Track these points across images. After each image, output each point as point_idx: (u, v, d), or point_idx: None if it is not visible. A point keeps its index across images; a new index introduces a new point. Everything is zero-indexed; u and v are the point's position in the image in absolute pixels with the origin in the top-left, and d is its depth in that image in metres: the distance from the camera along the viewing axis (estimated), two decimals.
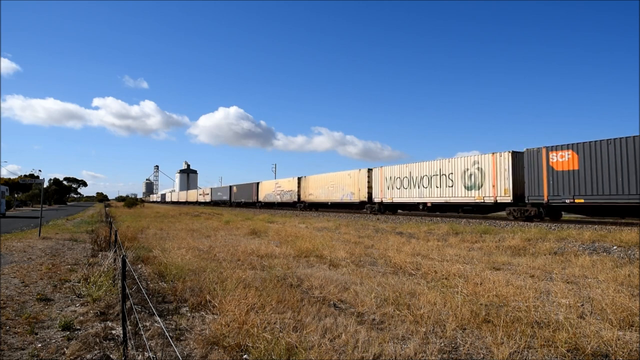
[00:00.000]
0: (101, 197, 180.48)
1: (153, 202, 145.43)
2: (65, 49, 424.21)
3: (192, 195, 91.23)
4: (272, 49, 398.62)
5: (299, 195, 38.47)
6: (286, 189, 41.17)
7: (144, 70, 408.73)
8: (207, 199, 73.13)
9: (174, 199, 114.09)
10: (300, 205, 38.26)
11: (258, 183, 49.26)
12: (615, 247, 10.36)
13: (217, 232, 16.97)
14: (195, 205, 72.93)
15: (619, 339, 4.09)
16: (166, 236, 14.93)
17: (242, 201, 53.81)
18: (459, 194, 21.41)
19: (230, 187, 59.45)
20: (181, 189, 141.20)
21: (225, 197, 61.29)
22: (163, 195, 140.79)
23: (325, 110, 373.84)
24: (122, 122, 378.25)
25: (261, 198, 47.61)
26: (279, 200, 42.78)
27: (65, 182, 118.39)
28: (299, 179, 38.61)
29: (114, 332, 4.66)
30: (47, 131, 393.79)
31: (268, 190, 46.03)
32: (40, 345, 4.30)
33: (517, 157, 18.74)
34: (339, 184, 32.13)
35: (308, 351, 3.79)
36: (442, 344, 4.14)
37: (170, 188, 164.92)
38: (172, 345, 3.24)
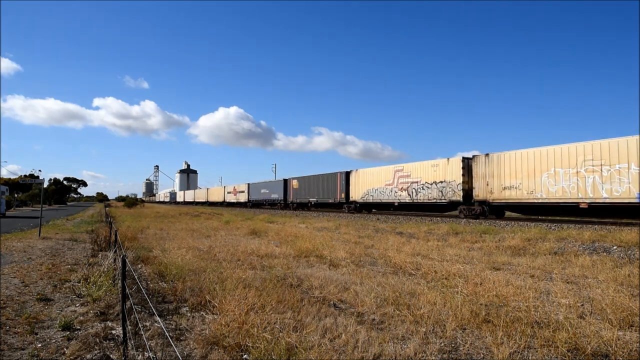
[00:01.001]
0: (101, 197, 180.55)
1: (159, 202, 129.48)
2: (66, 49, 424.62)
3: (216, 193, 70.02)
4: (272, 50, 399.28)
5: (467, 191, 21.19)
6: (427, 180, 23.35)
7: (145, 71, 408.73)
8: (242, 198, 54.68)
9: (188, 199, 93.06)
10: (472, 210, 20.98)
11: (349, 172, 31.21)
12: (615, 247, 10.36)
13: (217, 232, 16.97)
14: (224, 207, 55.92)
15: (619, 339, 4.09)
16: (166, 236, 14.93)
17: (311, 201, 36.29)
18: None
19: (286, 181, 42.07)
20: (181, 189, 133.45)
21: (276, 196, 43.74)
22: (172, 194, 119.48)
23: (325, 110, 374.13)
24: (122, 122, 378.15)
25: (357, 196, 29.73)
26: (407, 200, 24.72)
27: (65, 182, 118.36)
28: (468, 160, 21.60)
29: (114, 332, 4.66)
30: (47, 131, 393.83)
31: (375, 183, 27.83)
32: (40, 345, 4.30)
33: None
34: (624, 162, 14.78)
35: (308, 351, 3.79)
36: (442, 344, 4.14)
37: (171, 188, 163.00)
38: (172, 345, 3.24)
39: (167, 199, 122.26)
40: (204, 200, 76.48)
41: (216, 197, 68.53)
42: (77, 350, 4.10)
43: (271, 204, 45.75)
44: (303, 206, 39.21)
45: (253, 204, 51.06)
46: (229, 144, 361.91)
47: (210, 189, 76.75)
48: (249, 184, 53.38)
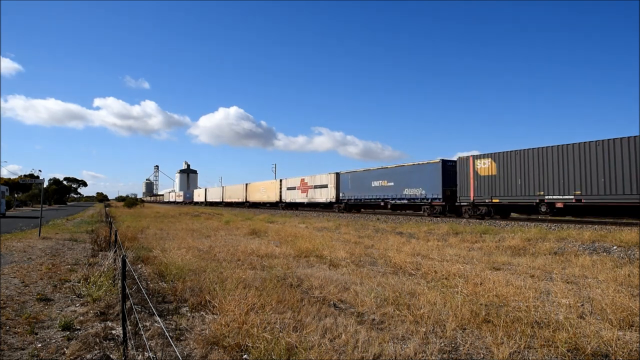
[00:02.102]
0: (101, 197, 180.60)
1: (167, 203, 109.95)
2: (66, 49, 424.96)
3: (262, 190, 47.87)
4: (272, 50, 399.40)
5: None
6: None
7: (145, 71, 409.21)
8: (323, 196, 35.01)
9: (212, 198, 69.54)
10: None
11: None
12: (615, 247, 10.36)
13: (217, 232, 16.97)
14: (281, 211, 38.39)
15: (619, 339, 4.09)
16: (166, 236, 14.93)
17: (550, 200, 17.83)
18: None
19: (451, 164, 23.33)
20: (181, 189, 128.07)
21: (419, 192, 24.53)
22: (188, 193, 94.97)
23: (326, 111, 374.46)
24: (123, 122, 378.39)
25: None
26: None
27: (65, 182, 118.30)
28: None
29: (114, 332, 4.66)
30: (48, 131, 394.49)
31: None
32: (40, 345, 4.30)
33: None
34: None
35: (308, 351, 3.79)
36: (442, 344, 4.14)
37: (171, 187, 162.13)
38: (172, 345, 3.24)
39: (180, 199, 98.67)
40: (240, 200, 55.09)
41: (263, 195, 47.54)
42: (77, 350, 4.10)
43: (403, 207, 27.05)
44: (505, 212, 21.42)
45: (351, 207, 32.12)
46: (230, 144, 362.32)
47: (251, 184, 52.37)
48: (338, 174, 33.57)
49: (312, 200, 37.08)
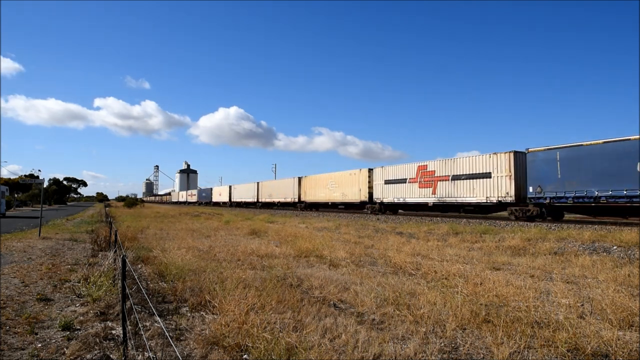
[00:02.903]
0: (101, 197, 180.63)
1: (177, 203, 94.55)
2: (66, 49, 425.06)
3: (331, 186, 32.89)
4: (273, 50, 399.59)
5: None
6: None
7: (146, 71, 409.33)
8: (474, 193, 20.23)
9: (243, 197, 52.98)
10: None
11: None
12: (615, 247, 10.35)
13: (217, 232, 16.97)
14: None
15: (619, 339, 4.09)
16: (166, 236, 14.92)
17: None
18: None
19: None
20: (181, 189, 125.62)
21: None
22: (204, 192, 75.07)
23: (326, 111, 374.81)
24: (123, 122, 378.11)
25: None
26: None
27: (65, 182, 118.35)
28: None
29: (114, 332, 4.66)
30: (49, 131, 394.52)
31: None
32: (40, 345, 4.30)
33: None
34: None
35: (308, 351, 3.79)
36: (442, 344, 4.14)
37: (171, 188, 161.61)
38: (172, 345, 3.24)
39: (193, 199, 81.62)
40: (288, 200, 40.49)
41: (333, 192, 32.78)
42: (77, 350, 4.10)
43: None
44: None
45: (561, 210, 18.26)
46: (230, 144, 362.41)
47: (308, 178, 37.63)
48: (517, 153, 18.76)
49: (450, 199, 22.05)
